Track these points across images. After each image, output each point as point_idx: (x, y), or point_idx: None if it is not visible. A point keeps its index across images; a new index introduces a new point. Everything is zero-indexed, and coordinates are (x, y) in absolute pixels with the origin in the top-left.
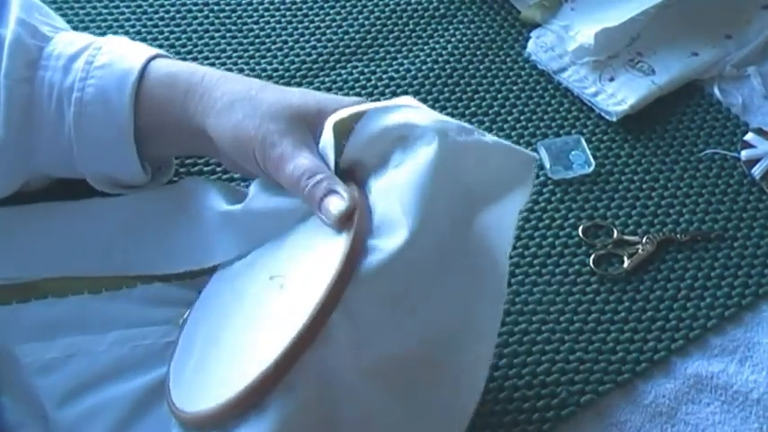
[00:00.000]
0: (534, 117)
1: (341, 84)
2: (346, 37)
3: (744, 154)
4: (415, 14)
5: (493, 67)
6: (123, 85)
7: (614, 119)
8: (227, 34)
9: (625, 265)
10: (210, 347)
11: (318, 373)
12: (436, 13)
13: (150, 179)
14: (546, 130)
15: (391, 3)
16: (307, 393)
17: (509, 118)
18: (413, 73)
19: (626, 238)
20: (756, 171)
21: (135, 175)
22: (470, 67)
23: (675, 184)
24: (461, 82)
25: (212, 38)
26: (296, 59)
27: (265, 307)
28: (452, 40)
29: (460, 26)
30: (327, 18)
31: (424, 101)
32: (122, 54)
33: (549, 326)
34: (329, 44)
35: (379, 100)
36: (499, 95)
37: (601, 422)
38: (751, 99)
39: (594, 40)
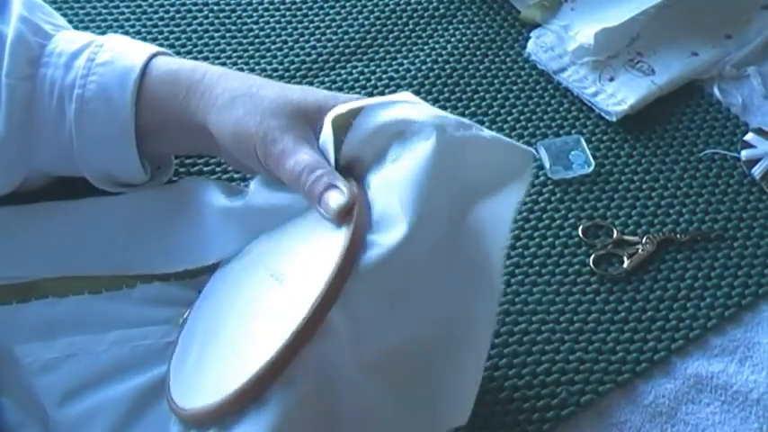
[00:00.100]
0: (534, 117)
1: (341, 84)
2: (346, 37)
3: (744, 154)
4: (415, 14)
5: (493, 67)
6: (125, 82)
7: (614, 119)
8: (227, 34)
9: (625, 265)
10: (210, 344)
11: (318, 368)
12: (436, 13)
13: (150, 178)
14: (546, 130)
15: (391, 3)
16: (306, 388)
17: (509, 118)
18: (413, 73)
19: (626, 238)
20: (756, 171)
21: (135, 173)
22: (470, 67)
23: (675, 184)
24: (461, 82)
25: (212, 38)
26: (296, 59)
27: (264, 302)
28: (452, 40)
29: (460, 26)
30: (327, 18)
31: (424, 101)
32: (124, 51)
33: (549, 326)
34: (329, 44)
35: None
36: (499, 95)
37: (601, 422)
38: (751, 99)
39: (594, 40)
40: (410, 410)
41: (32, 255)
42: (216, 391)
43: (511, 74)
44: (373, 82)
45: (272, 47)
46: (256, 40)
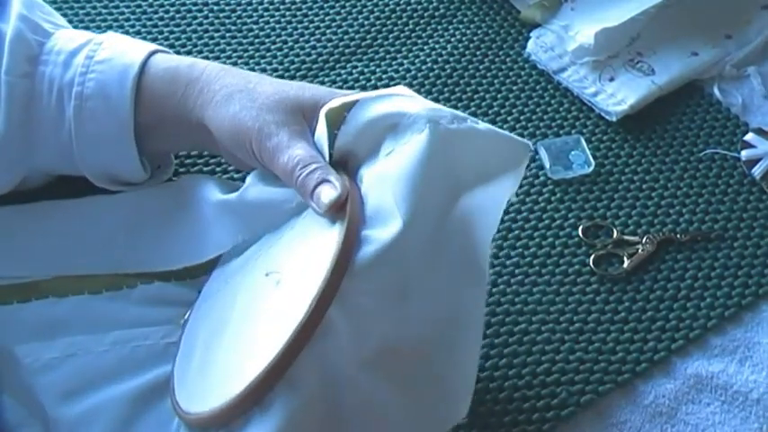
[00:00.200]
0: (534, 117)
1: (341, 84)
2: (346, 37)
3: (744, 154)
4: (415, 14)
5: (493, 67)
6: (124, 79)
7: (614, 119)
8: (227, 34)
9: (625, 265)
10: (211, 347)
11: (319, 368)
12: (436, 13)
13: (149, 176)
14: (546, 130)
15: (391, 3)
16: (309, 389)
17: (509, 118)
18: (413, 73)
19: (626, 238)
20: (756, 171)
21: (134, 171)
22: (470, 67)
23: (675, 184)
24: (461, 82)
25: (212, 38)
26: (296, 59)
27: (262, 303)
28: (452, 40)
29: (460, 26)
30: (327, 18)
31: None
32: (123, 49)
33: (549, 326)
34: (329, 44)
35: None
36: (499, 95)
37: (601, 422)
38: (751, 99)
39: (594, 40)
40: (412, 407)
41: (32, 254)
42: (220, 395)
43: (511, 74)
44: (373, 82)
45: (272, 47)
46: (256, 40)
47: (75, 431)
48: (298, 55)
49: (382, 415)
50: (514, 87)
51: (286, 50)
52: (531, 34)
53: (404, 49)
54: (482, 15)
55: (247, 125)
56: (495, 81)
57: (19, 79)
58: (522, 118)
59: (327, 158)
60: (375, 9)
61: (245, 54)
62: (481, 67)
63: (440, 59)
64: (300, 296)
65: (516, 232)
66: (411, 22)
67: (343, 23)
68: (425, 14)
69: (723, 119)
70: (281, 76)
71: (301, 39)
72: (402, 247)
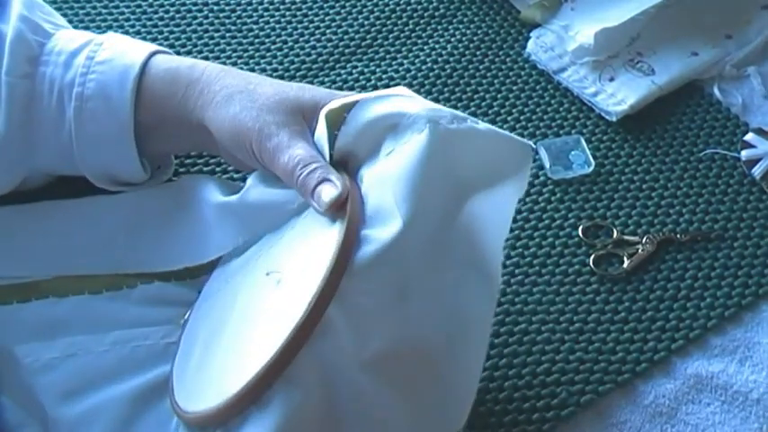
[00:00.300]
0: (534, 117)
1: (341, 84)
2: (346, 37)
3: (744, 154)
4: (415, 14)
5: (493, 67)
6: (124, 80)
7: (614, 119)
8: (227, 34)
9: (625, 265)
10: (211, 347)
11: (318, 368)
12: (436, 13)
13: (149, 177)
14: (546, 130)
15: (391, 3)
16: (308, 388)
17: (509, 118)
18: (413, 73)
19: (626, 238)
20: (756, 171)
21: (134, 171)
22: (470, 67)
23: (675, 184)
24: (461, 82)
25: (212, 38)
26: (296, 59)
27: (263, 303)
28: (452, 40)
29: (460, 26)
30: (327, 18)
31: None
32: (123, 50)
33: (549, 326)
34: (329, 44)
35: None
36: (499, 95)
37: (601, 422)
38: (751, 99)
39: (594, 40)
40: (413, 413)
41: (32, 254)
42: (218, 394)
43: (511, 74)
44: (373, 82)
45: (272, 47)
46: (256, 40)
47: (75, 431)
48: (298, 55)
49: (382, 419)
50: (514, 87)
51: (286, 50)
52: (531, 34)
53: (404, 49)
54: (482, 15)
55: (248, 126)
56: (495, 81)
57: (19, 80)
58: (522, 118)
59: (328, 159)
60: (375, 9)
61: (245, 54)
62: (481, 67)
63: (440, 59)
64: (300, 295)
65: (516, 232)
66: (411, 22)
67: (343, 23)
68: (425, 14)
69: (723, 119)
70: (281, 77)
71: (301, 39)
72: (402, 247)
